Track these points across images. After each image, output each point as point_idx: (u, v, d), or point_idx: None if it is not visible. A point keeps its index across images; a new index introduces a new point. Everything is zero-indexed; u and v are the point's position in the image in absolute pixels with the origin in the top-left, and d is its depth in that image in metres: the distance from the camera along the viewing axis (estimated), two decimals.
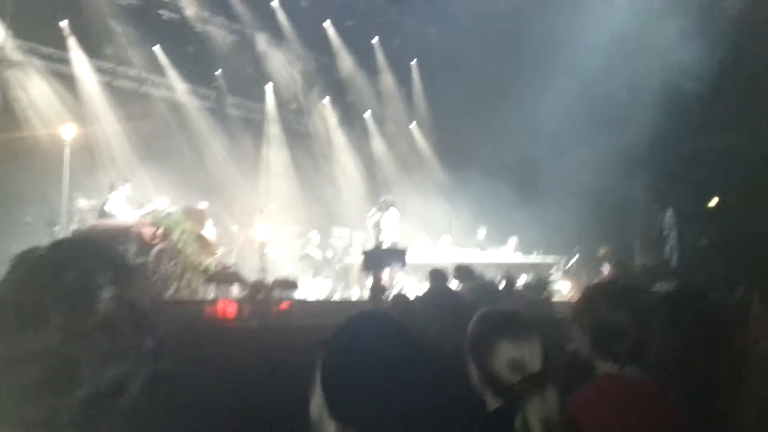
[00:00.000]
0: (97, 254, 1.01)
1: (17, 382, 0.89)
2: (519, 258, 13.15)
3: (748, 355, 2.83)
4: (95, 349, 0.92)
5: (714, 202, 12.23)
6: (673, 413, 2.02)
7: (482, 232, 14.06)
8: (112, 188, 9.26)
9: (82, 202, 10.45)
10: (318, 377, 1.24)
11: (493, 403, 1.79)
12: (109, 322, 0.94)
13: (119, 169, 12.13)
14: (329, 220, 14.99)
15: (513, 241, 13.61)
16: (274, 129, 16.86)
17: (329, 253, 13.81)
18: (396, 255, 9.55)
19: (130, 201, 9.32)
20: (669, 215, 11.95)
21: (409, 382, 1.19)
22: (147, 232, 8.12)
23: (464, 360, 1.86)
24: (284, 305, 7.63)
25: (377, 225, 11.91)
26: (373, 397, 1.18)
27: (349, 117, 17.97)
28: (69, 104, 12.82)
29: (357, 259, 11.70)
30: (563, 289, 11.96)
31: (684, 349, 2.44)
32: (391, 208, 11.93)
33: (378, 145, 18.13)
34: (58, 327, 0.91)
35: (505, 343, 1.71)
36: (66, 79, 13.05)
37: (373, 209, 12.37)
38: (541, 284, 8.72)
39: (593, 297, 2.22)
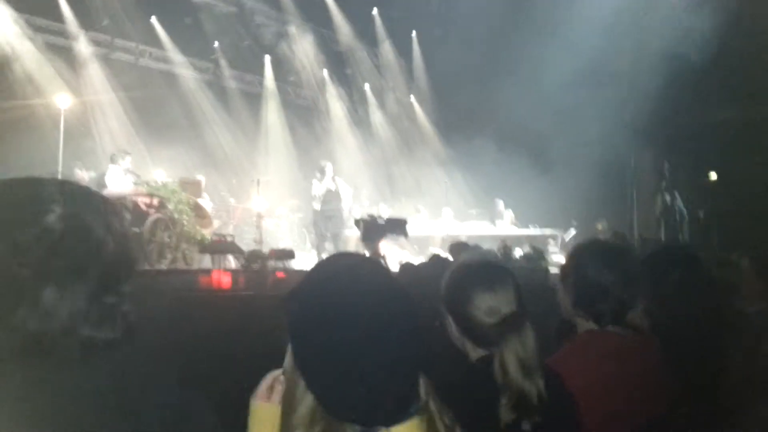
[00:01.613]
0: (49, 181, 0.99)
1: None
2: (516, 231, 13.13)
3: (739, 317, 2.81)
4: (38, 267, 0.88)
5: (713, 176, 12.15)
6: (657, 368, 1.99)
7: (500, 204, 13.86)
8: (112, 161, 9.29)
9: (80, 173, 10.44)
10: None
11: (473, 354, 1.77)
12: (53, 239, 0.91)
13: (117, 142, 12.08)
14: None
15: (508, 214, 13.55)
16: (272, 102, 16.77)
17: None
18: (396, 226, 9.46)
19: (129, 174, 9.31)
20: (678, 198, 11.70)
21: (391, 330, 1.00)
22: (142, 201, 8.09)
23: (442, 314, 1.84)
24: (280, 275, 7.61)
25: (321, 192, 11.42)
26: (344, 349, 0.98)
27: (349, 89, 17.84)
28: (66, 77, 12.71)
29: (354, 231, 11.61)
30: (561, 262, 11.93)
31: (673, 306, 2.41)
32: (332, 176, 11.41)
33: (377, 117, 18.04)
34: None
35: (479, 292, 1.69)
36: (62, 52, 12.92)
37: (318, 175, 11.69)
38: (538, 254, 8.73)
39: (579, 256, 2.16)
